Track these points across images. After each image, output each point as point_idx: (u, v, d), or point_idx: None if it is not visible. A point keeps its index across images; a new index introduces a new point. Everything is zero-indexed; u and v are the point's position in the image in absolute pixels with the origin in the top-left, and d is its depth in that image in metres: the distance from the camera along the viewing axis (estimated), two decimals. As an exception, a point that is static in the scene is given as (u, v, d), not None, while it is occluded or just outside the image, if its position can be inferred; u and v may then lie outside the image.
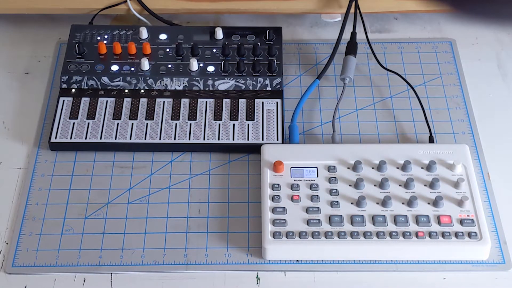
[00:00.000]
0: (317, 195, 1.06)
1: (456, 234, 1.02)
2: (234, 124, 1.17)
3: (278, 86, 1.22)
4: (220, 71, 1.22)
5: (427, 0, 1.30)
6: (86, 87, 1.22)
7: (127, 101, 1.20)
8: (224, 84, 1.21)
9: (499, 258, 1.04)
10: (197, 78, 1.21)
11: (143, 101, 1.20)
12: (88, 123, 1.17)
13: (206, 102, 1.20)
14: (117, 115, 1.18)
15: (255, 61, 1.22)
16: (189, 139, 1.16)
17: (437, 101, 1.22)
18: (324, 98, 1.23)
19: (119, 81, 1.21)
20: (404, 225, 1.03)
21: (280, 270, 1.03)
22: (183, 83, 1.21)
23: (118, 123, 1.17)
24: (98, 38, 1.27)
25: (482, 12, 0.89)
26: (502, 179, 1.13)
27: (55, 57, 1.30)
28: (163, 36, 1.27)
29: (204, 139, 1.15)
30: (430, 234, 1.02)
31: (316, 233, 1.02)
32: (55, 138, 1.16)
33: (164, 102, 1.20)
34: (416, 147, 1.11)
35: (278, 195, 1.06)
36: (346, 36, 1.27)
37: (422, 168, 1.09)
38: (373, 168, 1.09)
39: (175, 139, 1.15)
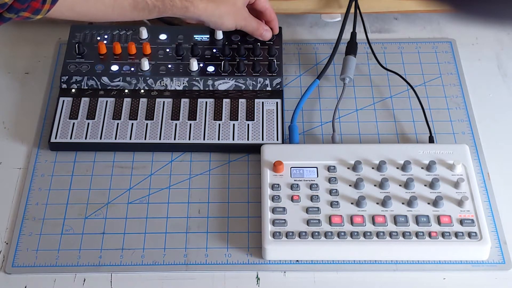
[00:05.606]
0: (317, 195, 1.06)
1: (456, 234, 1.02)
2: (234, 124, 1.17)
3: (278, 86, 1.22)
4: (220, 71, 1.22)
5: (427, 0, 1.30)
6: (86, 87, 1.22)
7: (127, 101, 1.20)
8: (224, 84, 1.21)
9: (499, 258, 1.03)
10: (197, 78, 1.21)
11: (143, 101, 1.20)
12: (88, 123, 1.17)
13: (206, 102, 1.20)
14: (117, 115, 1.18)
15: (255, 61, 1.22)
16: (189, 139, 1.15)
17: (437, 101, 1.22)
18: (324, 98, 1.23)
19: (119, 81, 1.21)
20: (404, 225, 1.03)
21: (280, 270, 1.03)
22: (183, 83, 1.21)
23: (118, 123, 1.17)
24: (98, 38, 1.27)
25: (482, 12, 0.89)
26: (502, 179, 1.13)
27: (55, 57, 1.30)
28: (163, 36, 1.27)
29: (204, 139, 1.15)
30: (430, 234, 1.02)
31: (316, 233, 1.02)
32: (55, 138, 1.16)
33: (164, 102, 1.20)
34: (416, 147, 1.11)
35: (278, 195, 1.06)
36: (346, 36, 1.27)
37: (422, 168, 1.09)
38: (373, 168, 1.09)
39: (175, 139, 1.15)
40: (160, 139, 1.15)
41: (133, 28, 1.28)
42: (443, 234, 1.02)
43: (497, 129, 1.19)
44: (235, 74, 1.22)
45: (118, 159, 1.15)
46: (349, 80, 1.22)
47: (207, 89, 1.22)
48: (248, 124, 1.17)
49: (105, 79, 1.21)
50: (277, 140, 1.15)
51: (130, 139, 1.15)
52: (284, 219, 1.04)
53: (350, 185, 1.07)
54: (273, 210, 1.05)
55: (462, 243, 1.02)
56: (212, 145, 1.15)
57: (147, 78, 1.21)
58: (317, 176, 1.08)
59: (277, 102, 1.20)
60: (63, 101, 1.20)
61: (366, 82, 1.26)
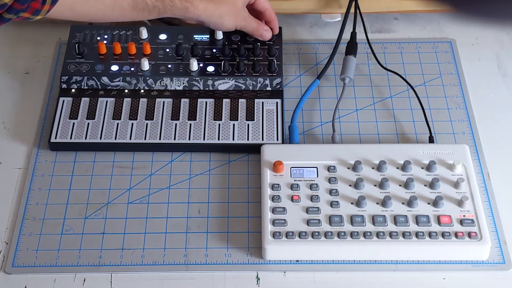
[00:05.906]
0: (317, 195, 1.06)
1: (456, 234, 1.02)
2: (234, 124, 1.17)
3: (278, 86, 1.22)
4: (220, 71, 1.22)
5: (427, 0, 1.31)
6: (86, 87, 1.22)
7: (127, 101, 1.20)
8: (224, 84, 1.21)
9: (499, 258, 1.03)
10: (197, 78, 1.21)
11: (143, 101, 1.20)
12: (88, 123, 1.17)
13: (206, 102, 1.20)
14: (117, 115, 1.18)
15: (255, 61, 1.22)
16: (189, 139, 1.16)
17: (437, 101, 1.22)
18: (324, 98, 1.23)
19: (119, 81, 1.21)
20: (404, 225, 1.03)
21: (280, 270, 1.03)
22: (183, 83, 1.21)
23: (118, 123, 1.17)
24: (98, 38, 1.27)
25: (482, 12, 0.89)
26: (502, 179, 1.13)
27: (55, 57, 1.30)
28: (163, 36, 1.27)
29: (204, 139, 1.15)
30: (430, 234, 1.02)
31: (316, 233, 1.02)
32: (55, 138, 1.16)
33: (164, 102, 1.20)
34: (416, 147, 1.11)
35: (278, 195, 1.06)
36: (346, 36, 1.27)
37: (422, 168, 1.09)
38: (373, 168, 1.09)
39: (175, 139, 1.15)
40: (160, 139, 1.15)
41: (133, 28, 1.28)
42: (443, 234, 1.02)
43: (497, 129, 1.19)
44: (235, 74, 1.22)
45: (118, 159, 1.15)
46: (349, 80, 1.22)
47: (207, 89, 1.22)
48: (248, 124, 1.17)
49: (105, 79, 1.21)
50: (277, 140, 1.15)
51: (130, 139, 1.16)
52: (284, 219, 1.04)
53: (350, 185, 1.07)
54: (273, 210, 1.05)
55: (462, 243, 1.02)
56: (212, 145, 1.15)
57: (147, 78, 1.21)
58: (317, 176, 1.08)
59: (277, 102, 1.20)
60: (63, 101, 1.20)
61: (366, 82, 1.26)
